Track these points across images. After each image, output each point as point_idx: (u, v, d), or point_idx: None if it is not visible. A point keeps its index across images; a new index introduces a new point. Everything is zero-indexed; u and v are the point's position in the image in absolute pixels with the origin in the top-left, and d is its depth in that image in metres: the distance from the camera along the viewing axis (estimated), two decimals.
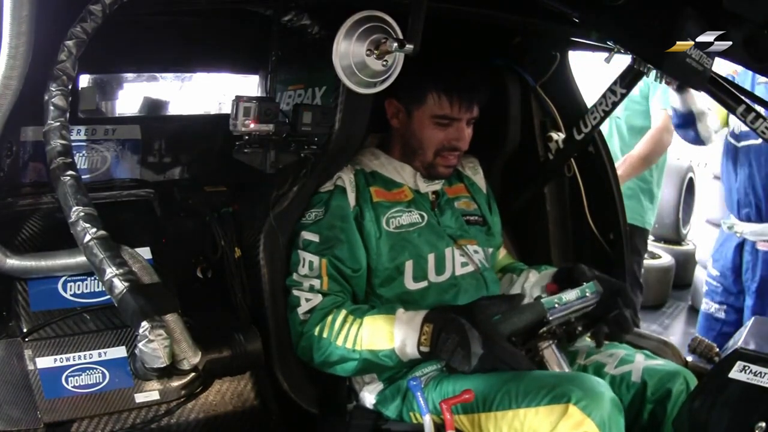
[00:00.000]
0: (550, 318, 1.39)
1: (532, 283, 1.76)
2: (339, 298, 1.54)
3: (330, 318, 1.49)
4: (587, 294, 1.47)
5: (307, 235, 1.59)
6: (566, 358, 1.49)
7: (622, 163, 2.97)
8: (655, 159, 3.06)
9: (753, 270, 2.63)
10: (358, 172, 1.68)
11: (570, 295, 1.45)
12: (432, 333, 1.36)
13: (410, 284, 1.63)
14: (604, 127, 3.00)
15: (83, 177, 1.39)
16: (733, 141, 2.65)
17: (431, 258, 1.66)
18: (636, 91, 2.89)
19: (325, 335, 1.48)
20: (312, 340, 1.50)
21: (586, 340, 1.66)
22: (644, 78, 1.90)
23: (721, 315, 2.74)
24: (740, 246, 2.67)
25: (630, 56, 1.75)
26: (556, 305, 1.41)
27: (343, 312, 1.49)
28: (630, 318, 1.52)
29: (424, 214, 1.70)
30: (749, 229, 2.62)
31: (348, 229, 1.59)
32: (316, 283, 1.54)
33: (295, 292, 1.55)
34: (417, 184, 1.73)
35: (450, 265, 1.68)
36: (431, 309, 1.43)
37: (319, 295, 1.53)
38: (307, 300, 1.53)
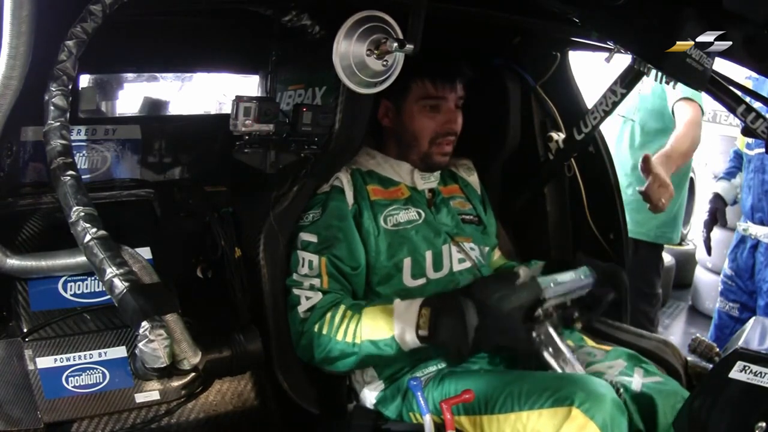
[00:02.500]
0: (546, 296, 1.38)
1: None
2: (339, 296, 1.54)
3: (329, 314, 1.49)
4: (582, 277, 1.47)
5: (306, 236, 1.59)
6: (564, 341, 1.47)
7: (658, 159, 2.58)
8: (691, 154, 2.77)
9: (766, 271, 2.70)
10: (355, 172, 1.69)
11: (564, 276, 1.44)
12: (430, 316, 1.36)
13: (409, 281, 1.63)
14: (615, 129, 2.98)
15: (83, 177, 1.38)
16: (746, 150, 2.72)
17: (429, 255, 1.66)
18: (647, 90, 2.82)
19: (324, 332, 1.48)
20: (312, 337, 1.50)
21: (586, 345, 1.65)
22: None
23: (735, 313, 2.83)
24: (754, 248, 2.74)
25: (630, 56, 1.75)
26: (552, 285, 1.40)
27: (342, 307, 1.49)
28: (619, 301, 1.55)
29: (421, 212, 1.70)
30: (762, 232, 2.73)
31: (346, 228, 1.60)
32: (317, 282, 1.54)
33: (296, 291, 1.55)
34: (414, 182, 1.74)
35: (447, 261, 1.68)
36: (429, 296, 1.44)
37: (319, 293, 1.53)
38: (308, 298, 1.53)
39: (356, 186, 1.66)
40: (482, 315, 1.31)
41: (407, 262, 1.63)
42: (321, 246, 1.57)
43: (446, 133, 1.70)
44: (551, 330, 1.44)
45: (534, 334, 1.42)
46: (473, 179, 1.92)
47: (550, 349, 1.43)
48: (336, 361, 1.49)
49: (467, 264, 1.71)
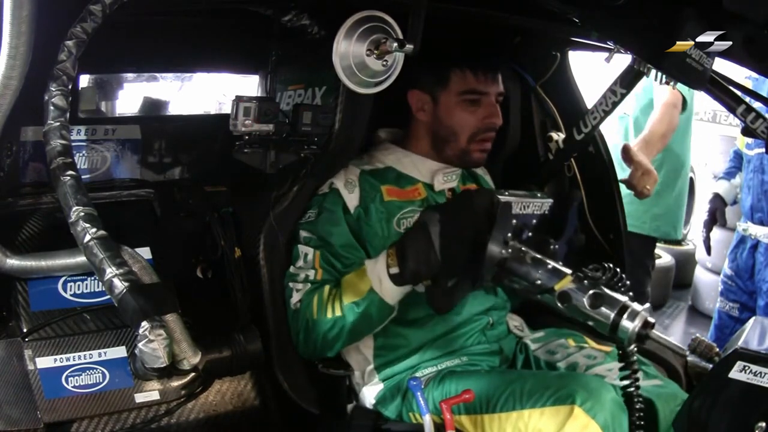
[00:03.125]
0: (501, 199, 1.29)
1: None
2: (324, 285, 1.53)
3: (316, 299, 1.48)
4: (538, 195, 1.41)
5: (304, 233, 1.59)
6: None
7: (637, 146, 2.64)
8: (669, 136, 2.80)
9: (766, 271, 2.68)
10: (365, 173, 1.65)
11: (517, 191, 1.38)
12: (396, 251, 1.35)
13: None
14: (614, 126, 2.98)
15: (83, 177, 1.38)
16: (746, 150, 2.72)
17: None
18: (639, 89, 2.84)
19: (315, 316, 1.47)
20: (307, 327, 1.48)
21: (586, 347, 1.65)
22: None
23: (735, 313, 2.82)
24: (754, 248, 2.73)
25: (630, 56, 1.75)
26: (505, 193, 1.33)
27: (327, 288, 1.49)
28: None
29: None
30: (762, 232, 2.72)
31: (337, 233, 1.57)
32: (311, 273, 1.54)
33: (290, 285, 1.54)
34: (433, 181, 1.69)
35: None
36: None
37: (310, 285, 1.52)
38: (298, 290, 1.53)
39: (364, 187, 1.62)
40: (441, 223, 1.28)
41: None
42: (318, 242, 1.57)
43: (487, 128, 1.65)
44: (524, 247, 1.33)
45: (503, 251, 1.30)
46: (489, 178, 1.90)
47: (527, 264, 1.30)
48: (333, 342, 1.47)
49: None
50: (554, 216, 1.44)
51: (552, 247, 1.36)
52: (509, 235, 1.30)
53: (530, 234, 1.36)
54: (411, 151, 1.70)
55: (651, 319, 1.17)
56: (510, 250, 1.29)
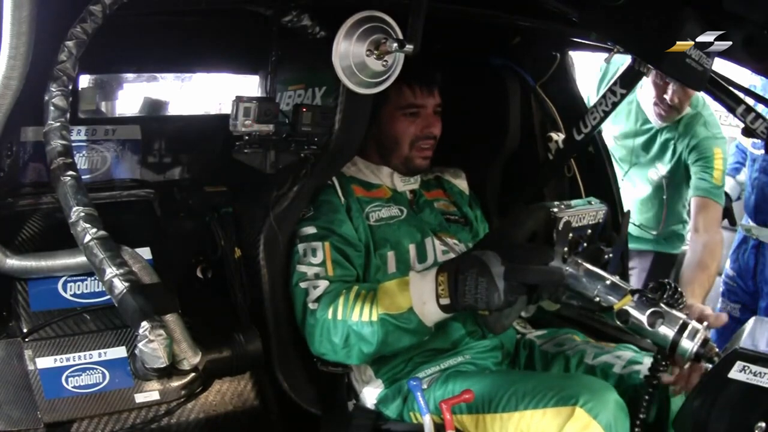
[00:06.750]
0: (557, 213, 1.28)
1: None
2: (346, 283, 1.52)
3: (342, 298, 1.45)
4: (591, 203, 1.39)
5: (304, 230, 1.60)
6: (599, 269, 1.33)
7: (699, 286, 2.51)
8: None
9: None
10: (340, 175, 1.71)
11: (571, 202, 1.36)
12: (448, 280, 1.30)
13: (394, 275, 1.62)
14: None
15: (83, 177, 1.38)
16: (752, 149, 2.71)
17: (412, 248, 1.67)
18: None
19: (339, 316, 1.43)
20: (327, 325, 1.44)
21: (591, 342, 1.65)
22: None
23: (737, 314, 2.79)
24: (756, 248, 2.71)
25: (630, 56, 1.75)
26: (561, 206, 1.31)
27: (355, 288, 1.47)
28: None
29: (404, 209, 1.73)
30: (765, 234, 2.69)
31: (340, 219, 1.61)
32: (321, 270, 1.53)
33: (302, 285, 1.53)
34: (394, 184, 1.76)
35: (431, 253, 1.69)
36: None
37: (326, 281, 1.51)
38: (315, 287, 1.51)
39: (343, 186, 1.69)
40: (505, 266, 1.23)
41: (391, 256, 1.64)
42: (322, 233, 1.58)
43: (426, 137, 1.72)
44: (580, 260, 1.31)
45: (565, 268, 1.28)
46: (459, 182, 1.92)
47: (585, 280, 1.29)
48: (355, 344, 1.42)
49: (451, 255, 1.68)
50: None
51: (606, 256, 1.37)
52: (566, 249, 1.29)
53: (585, 245, 1.35)
54: (367, 161, 1.77)
55: (709, 337, 1.18)
56: (568, 268, 1.29)
